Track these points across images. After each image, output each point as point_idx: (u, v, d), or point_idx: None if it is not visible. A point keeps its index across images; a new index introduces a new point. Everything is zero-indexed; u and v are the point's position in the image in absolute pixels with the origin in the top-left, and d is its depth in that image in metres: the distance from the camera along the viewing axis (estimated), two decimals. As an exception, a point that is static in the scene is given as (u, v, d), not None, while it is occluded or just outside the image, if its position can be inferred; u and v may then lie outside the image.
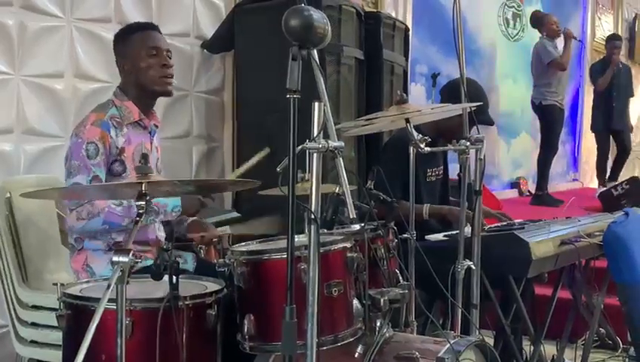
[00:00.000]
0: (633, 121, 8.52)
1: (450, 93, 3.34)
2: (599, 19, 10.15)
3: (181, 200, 2.62)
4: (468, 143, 2.54)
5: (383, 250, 2.26)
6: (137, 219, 1.78)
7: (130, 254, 1.66)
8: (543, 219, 3.38)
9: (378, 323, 2.13)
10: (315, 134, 1.71)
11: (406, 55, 5.00)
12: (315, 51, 1.76)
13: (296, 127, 1.62)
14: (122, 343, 1.70)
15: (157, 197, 2.33)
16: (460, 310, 2.56)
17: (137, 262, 1.69)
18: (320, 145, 1.71)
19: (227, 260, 2.08)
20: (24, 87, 3.40)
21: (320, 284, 1.73)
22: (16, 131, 3.38)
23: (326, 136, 1.76)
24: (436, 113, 2.84)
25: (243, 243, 2.29)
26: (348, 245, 2.05)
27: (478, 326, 2.58)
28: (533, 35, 7.44)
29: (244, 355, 2.02)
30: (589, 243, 3.15)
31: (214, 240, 2.73)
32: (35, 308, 2.79)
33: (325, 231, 2.05)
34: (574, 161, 9.86)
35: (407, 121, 2.51)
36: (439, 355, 2.04)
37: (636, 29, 10.86)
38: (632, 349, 3.50)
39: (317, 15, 1.64)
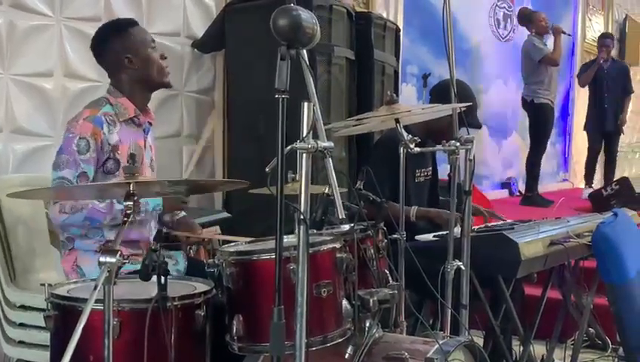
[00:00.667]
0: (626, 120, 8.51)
1: (439, 93, 3.35)
2: (590, 19, 10.19)
3: (163, 199, 2.61)
4: (458, 144, 2.54)
5: (372, 251, 2.25)
6: (125, 219, 1.76)
7: (118, 255, 1.65)
8: (532, 219, 3.39)
9: (367, 324, 2.12)
10: (305, 134, 1.70)
11: (397, 55, 5.00)
12: (305, 51, 1.76)
13: (286, 127, 1.62)
14: (110, 344, 1.69)
15: (146, 197, 2.32)
16: (449, 310, 2.56)
17: (125, 263, 1.68)
18: (309, 146, 1.70)
19: (216, 261, 2.08)
20: (13, 86, 3.38)
21: (309, 285, 1.73)
22: (5, 130, 3.37)
23: (315, 137, 1.76)
24: (426, 113, 2.84)
25: (232, 244, 2.28)
26: (337, 245, 2.04)
27: (467, 327, 2.58)
28: (524, 36, 7.45)
29: (232, 356, 2.01)
30: (579, 244, 3.16)
31: (203, 240, 2.73)
32: (23, 308, 2.78)
33: (314, 231, 2.06)
34: (565, 162, 9.90)
35: (397, 121, 2.51)
36: (428, 356, 2.04)
37: (626, 30, 10.92)
38: (621, 349, 3.52)
39: (305, 15, 1.63)
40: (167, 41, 4.12)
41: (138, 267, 1.83)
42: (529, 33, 7.17)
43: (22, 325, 2.78)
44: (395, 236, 2.51)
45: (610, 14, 10.64)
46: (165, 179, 2.04)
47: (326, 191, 2.07)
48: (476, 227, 3.13)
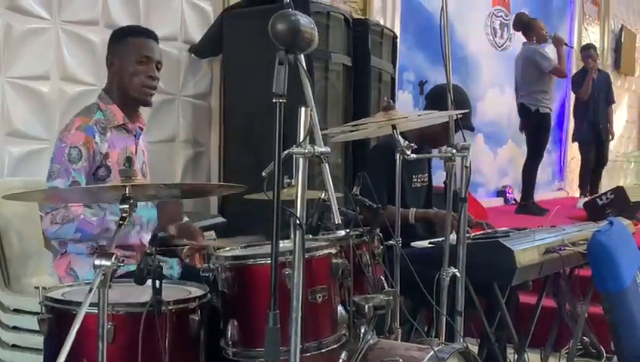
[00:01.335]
0: (616, 130, 8.54)
1: (433, 98, 3.37)
2: (586, 29, 10.23)
3: (160, 211, 2.60)
4: (454, 151, 2.54)
5: (368, 257, 2.25)
6: (121, 222, 1.76)
7: (113, 258, 1.65)
8: (528, 227, 3.39)
9: (362, 330, 2.12)
10: (302, 139, 1.70)
11: (394, 62, 5.01)
12: (303, 56, 1.76)
13: (283, 132, 1.62)
14: (104, 348, 1.68)
15: (141, 200, 2.31)
16: (444, 317, 2.56)
17: (120, 266, 1.67)
18: (306, 151, 1.70)
19: (211, 265, 2.07)
20: (9, 88, 3.38)
21: (304, 290, 1.72)
22: (0, 133, 3.36)
23: (312, 142, 1.76)
24: (422, 120, 2.85)
25: (227, 248, 2.27)
26: (333, 251, 2.04)
27: (462, 334, 2.58)
28: (520, 44, 7.46)
29: (227, 361, 2.01)
30: (574, 252, 3.17)
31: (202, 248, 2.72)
32: (17, 311, 2.77)
33: (310, 236, 2.05)
34: (560, 170, 9.92)
35: (394, 127, 2.51)
36: (423, 362, 2.04)
37: (622, 40, 10.96)
38: (615, 358, 3.51)
39: (304, 20, 1.63)
40: (165, 46, 4.11)
41: (132, 268, 1.83)
42: (526, 41, 7.14)
43: (15, 328, 2.77)
44: (390, 242, 2.51)
45: (606, 24, 10.69)
46: (160, 183, 2.03)
47: (322, 196, 2.06)
48: (472, 234, 3.13)
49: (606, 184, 9.47)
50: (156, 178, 3.07)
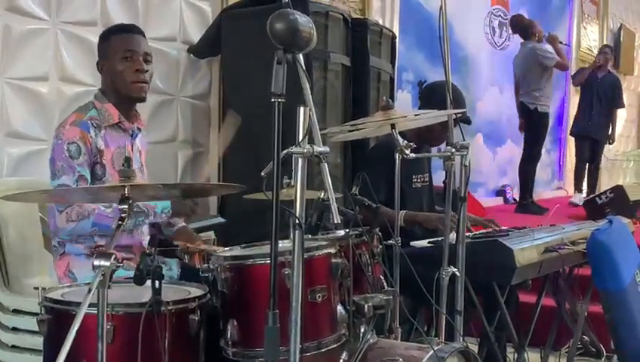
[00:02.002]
0: (617, 131, 8.56)
1: (426, 96, 3.37)
2: (585, 28, 10.23)
3: (172, 204, 2.60)
4: (453, 150, 2.54)
5: (367, 256, 2.25)
6: (120, 223, 1.76)
7: (112, 258, 1.64)
8: (527, 226, 3.39)
9: (362, 330, 2.12)
10: (300, 139, 1.70)
11: (393, 62, 5.01)
12: (301, 56, 1.76)
13: (282, 131, 1.62)
14: (103, 348, 1.68)
15: (140, 200, 2.31)
16: (444, 316, 2.56)
17: (119, 267, 1.67)
18: (305, 150, 1.70)
19: (211, 265, 2.07)
20: (8, 89, 3.38)
21: (304, 290, 1.72)
22: (-1, 134, 3.36)
23: (311, 141, 1.76)
24: (421, 119, 2.85)
25: (227, 248, 2.27)
26: (332, 251, 2.04)
27: (462, 333, 2.58)
28: (519, 44, 7.47)
29: (227, 361, 2.01)
30: (573, 251, 3.16)
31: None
32: (16, 312, 2.77)
33: (310, 236, 2.05)
34: (559, 169, 9.92)
35: (393, 127, 2.51)
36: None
37: (621, 39, 10.97)
38: (615, 357, 3.52)
39: (302, 19, 1.63)
40: (163, 46, 4.13)
41: (132, 273, 1.83)
42: (524, 41, 7.18)
43: (15, 329, 2.77)
44: (390, 242, 2.51)
45: (605, 23, 10.69)
46: (159, 183, 2.03)
47: (321, 196, 2.06)
48: (471, 233, 3.13)
49: (605, 183, 9.48)
50: (155, 178, 3.07)
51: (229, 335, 1.96)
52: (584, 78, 7.83)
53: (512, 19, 7.66)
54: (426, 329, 3.11)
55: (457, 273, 2.56)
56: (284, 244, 1.95)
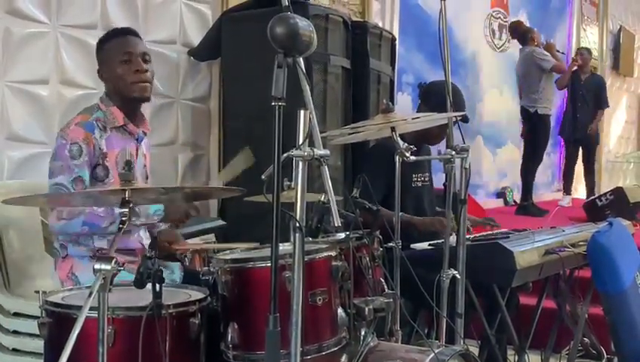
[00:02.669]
0: (614, 131, 8.58)
1: (426, 97, 3.38)
2: (584, 30, 10.24)
3: (165, 207, 2.60)
4: (453, 153, 2.54)
5: (368, 259, 2.25)
6: (121, 226, 1.76)
7: (113, 262, 1.65)
8: (528, 228, 3.39)
9: (363, 332, 2.12)
10: (301, 142, 1.70)
11: (392, 64, 5.01)
12: (302, 59, 1.76)
13: (282, 134, 1.62)
14: (104, 352, 1.68)
15: (141, 204, 2.32)
16: (444, 319, 2.56)
17: (120, 270, 1.67)
18: (305, 153, 1.71)
19: (211, 268, 2.07)
20: (9, 92, 3.38)
21: (304, 293, 1.72)
22: (0, 137, 3.36)
23: (311, 145, 1.76)
24: (421, 122, 2.85)
25: (227, 251, 2.27)
26: (333, 253, 2.04)
27: (462, 336, 2.58)
28: (519, 46, 7.49)
29: (227, 364, 2.01)
30: (574, 253, 3.17)
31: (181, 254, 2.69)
32: (17, 315, 2.77)
33: (310, 239, 2.05)
34: (559, 172, 9.91)
35: (393, 129, 2.51)
36: (424, 364, 2.04)
37: (621, 41, 10.97)
38: (616, 359, 3.52)
39: (303, 23, 1.64)
40: (164, 49, 4.13)
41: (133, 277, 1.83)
42: (523, 46, 7.24)
43: (15, 332, 2.77)
44: (390, 244, 2.51)
45: (605, 25, 10.69)
46: (160, 186, 2.03)
47: (322, 199, 2.06)
48: (471, 236, 3.13)
49: (605, 185, 9.48)
50: (156, 181, 3.07)
51: (229, 339, 1.96)
52: (566, 81, 7.85)
53: (510, 25, 7.72)
54: (426, 331, 3.11)
55: (458, 275, 2.57)
56: (284, 247, 1.95)
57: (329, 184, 1.98)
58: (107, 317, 1.70)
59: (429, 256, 2.85)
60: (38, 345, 2.22)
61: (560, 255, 3.06)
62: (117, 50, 2.62)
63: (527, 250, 2.92)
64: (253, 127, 4.06)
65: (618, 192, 6.54)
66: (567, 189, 8.21)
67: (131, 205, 1.77)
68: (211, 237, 3.61)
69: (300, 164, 1.71)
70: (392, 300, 2.17)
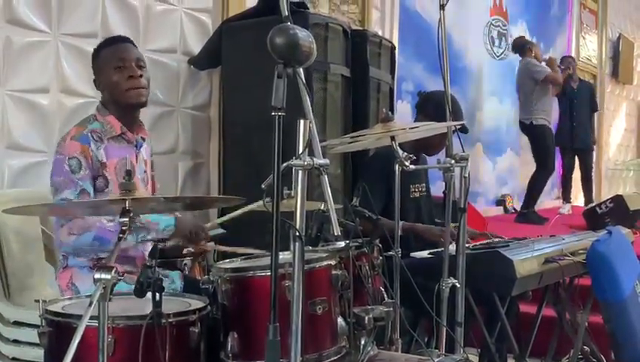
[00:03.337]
0: (614, 139, 8.59)
1: (425, 106, 3.39)
2: (584, 38, 10.27)
3: (177, 221, 2.59)
4: (452, 161, 2.55)
5: (367, 268, 2.25)
6: (120, 236, 1.76)
7: (113, 271, 1.65)
8: (527, 237, 3.39)
9: (363, 341, 2.12)
10: (301, 151, 1.71)
11: (392, 73, 5.02)
12: (302, 69, 1.76)
13: (282, 144, 1.62)
14: (104, 361, 1.68)
15: (141, 213, 2.32)
16: (444, 328, 2.56)
17: (120, 280, 1.68)
18: (305, 163, 1.71)
19: (211, 277, 2.07)
20: (9, 101, 3.38)
21: (304, 302, 1.72)
22: (0, 146, 3.36)
23: (311, 154, 1.77)
24: (421, 131, 2.86)
25: (227, 261, 2.28)
26: (332, 262, 2.04)
27: (462, 345, 2.58)
28: (518, 55, 7.51)
29: (227, 373, 2.01)
30: (573, 262, 3.17)
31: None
32: (17, 324, 2.76)
33: (310, 248, 2.05)
34: (559, 179, 9.91)
35: (393, 139, 2.52)
36: (423, 373, 2.04)
37: (620, 49, 11.00)
38: (615, 367, 3.52)
39: (302, 34, 1.64)
40: (164, 58, 4.14)
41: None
42: (522, 58, 7.28)
43: (16, 341, 2.77)
44: (390, 253, 2.52)
45: (604, 33, 10.72)
46: (160, 196, 2.04)
47: (321, 207, 2.07)
48: (471, 244, 3.13)
49: (605, 192, 9.49)
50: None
51: (229, 348, 1.96)
52: (559, 89, 7.88)
53: (514, 41, 7.77)
54: (426, 340, 3.10)
55: (457, 284, 2.57)
56: (284, 256, 1.95)
57: (329, 193, 1.98)
58: (107, 326, 1.70)
59: (428, 264, 2.85)
60: (38, 354, 2.21)
61: (560, 263, 3.06)
62: (110, 58, 2.63)
63: (527, 258, 2.92)
64: (253, 135, 4.06)
65: (618, 200, 6.55)
66: (566, 197, 8.22)
67: (131, 215, 1.77)
68: (211, 245, 3.60)
69: (300, 173, 1.72)
70: (391, 309, 2.18)
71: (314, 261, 2.00)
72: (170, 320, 1.87)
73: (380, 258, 2.36)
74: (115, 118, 2.63)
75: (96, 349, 1.68)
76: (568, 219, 7.25)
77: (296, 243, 1.68)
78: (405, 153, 2.51)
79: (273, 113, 1.62)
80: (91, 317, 1.65)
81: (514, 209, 8.06)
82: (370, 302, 2.21)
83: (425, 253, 3.06)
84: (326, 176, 1.96)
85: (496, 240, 3.34)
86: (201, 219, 2.96)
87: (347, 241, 2.13)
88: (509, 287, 2.83)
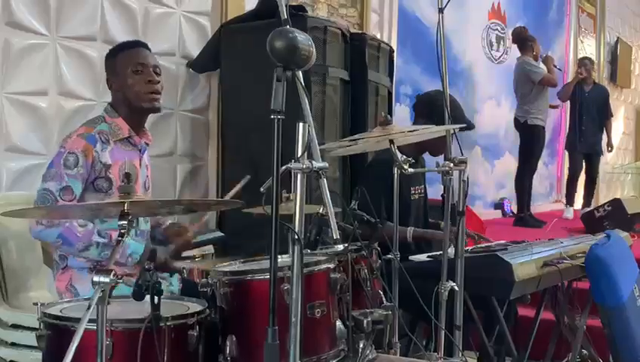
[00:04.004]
0: (613, 142, 8.55)
1: (422, 108, 3.39)
2: (582, 42, 10.28)
3: (144, 252, 2.58)
4: (451, 165, 2.55)
5: (366, 271, 2.25)
6: (119, 238, 1.76)
7: (112, 274, 1.65)
8: (525, 240, 3.39)
9: (361, 345, 2.12)
10: (299, 155, 1.71)
11: (391, 76, 5.02)
12: (300, 72, 1.77)
13: (281, 147, 1.63)
14: (102, 364, 1.68)
15: (140, 216, 2.32)
16: (443, 331, 2.56)
17: (119, 283, 1.68)
18: (304, 166, 1.71)
19: (210, 281, 2.07)
20: (8, 104, 3.38)
21: (303, 305, 1.72)
22: (-1, 148, 3.37)
23: (310, 157, 1.77)
24: (420, 135, 2.86)
25: (226, 264, 2.28)
26: (331, 266, 2.04)
27: (461, 348, 2.58)
28: (516, 58, 7.52)
29: (226, 376, 2.00)
30: (572, 265, 3.17)
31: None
32: (15, 327, 2.76)
33: (309, 251, 2.05)
34: (557, 183, 9.93)
35: (392, 142, 2.52)
36: (422, 377, 2.04)
37: (618, 52, 11.02)
38: (614, 371, 3.51)
39: (301, 37, 1.65)
40: (163, 61, 4.12)
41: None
42: (520, 55, 7.27)
43: (14, 344, 2.76)
44: (389, 256, 2.52)
45: (602, 37, 10.74)
46: (158, 199, 2.04)
47: (320, 211, 2.07)
48: (470, 248, 3.13)
49: (603, 196, 9.49)
50: (154, 193, 3.07)
51: (227, 351, 1.96)
52: (569, 93, 7.84)
53: (515, 29, 7.72)
54: (425, 344, 3.10)
55: (456, 287, 2.57)
56: (283, 259, 1.95)
57: (328, 196, 1.98)
58: (106, 329, 1.69)
59: (427, 268, 2.85)
60: (37, 357, 2.21)
61: (558, 267, 3.06)
62: (130, 60, 2.65)
63: (526, 261, 2.92)
64: (251, 138, 4.06)
65: (616, 203, 6.56)
66: (570, 201, 8.16)
67: (130, 217, 1.77)
68: (210, 248, 3.61)
69: (299, 176, 1.72)
70: (390, 312, 2.17)
71: (313, 264, 2.00)
72: (168, 323, 1.87)
73: (379, 261, 2.36)
74: (124, 120, 2.64)
75: (95, 352, 1.68)
76: (566, 222, 7.25)
77: (295, 247, 1.68)
78: (404, 156, 2.51)
79: (272, 116, 1.62)
80: (90, 320, 1.65)
81: (512, 212, 8.05)
82: (369, 305, 2.21)
83: (423, 257, 3.06)
84: (325, 180, 1.96)
85: (494, 243, 3.34)
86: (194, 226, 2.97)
87: (346, 244, 2.13)
88: (508, 291, 2.82)
